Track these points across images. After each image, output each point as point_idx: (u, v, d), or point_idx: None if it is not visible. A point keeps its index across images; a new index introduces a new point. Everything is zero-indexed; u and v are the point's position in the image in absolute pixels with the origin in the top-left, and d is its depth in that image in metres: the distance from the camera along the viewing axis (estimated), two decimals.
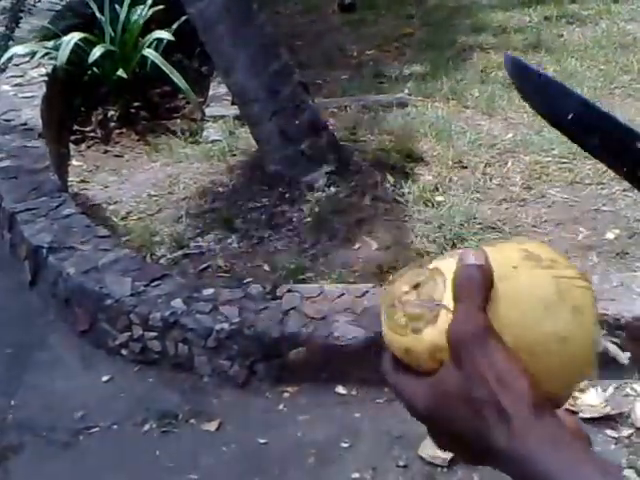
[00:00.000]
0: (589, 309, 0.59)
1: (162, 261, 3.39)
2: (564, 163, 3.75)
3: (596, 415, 2.61)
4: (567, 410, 0.63)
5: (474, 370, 0.57)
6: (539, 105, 0.72)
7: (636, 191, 3.07)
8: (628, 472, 2.39)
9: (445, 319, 0.59)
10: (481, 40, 5.28)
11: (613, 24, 5.34)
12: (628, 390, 2.73)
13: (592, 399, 2.65)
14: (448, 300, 0.59)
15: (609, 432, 2.58)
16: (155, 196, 3.92)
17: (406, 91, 4.54)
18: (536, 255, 0.60)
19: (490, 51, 5.07)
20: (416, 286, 0.61)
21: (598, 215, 3.41)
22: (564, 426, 0.57)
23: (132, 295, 3.01)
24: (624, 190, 3.53)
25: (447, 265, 0.61)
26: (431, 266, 0.62)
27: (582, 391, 2.65)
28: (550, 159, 3.79)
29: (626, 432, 2.58)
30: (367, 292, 2.84)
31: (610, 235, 3.28)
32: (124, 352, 3.01)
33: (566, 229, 3.34)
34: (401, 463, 2.56)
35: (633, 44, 5.00)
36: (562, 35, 5.25)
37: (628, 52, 4.88)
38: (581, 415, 2.62)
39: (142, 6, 4.78)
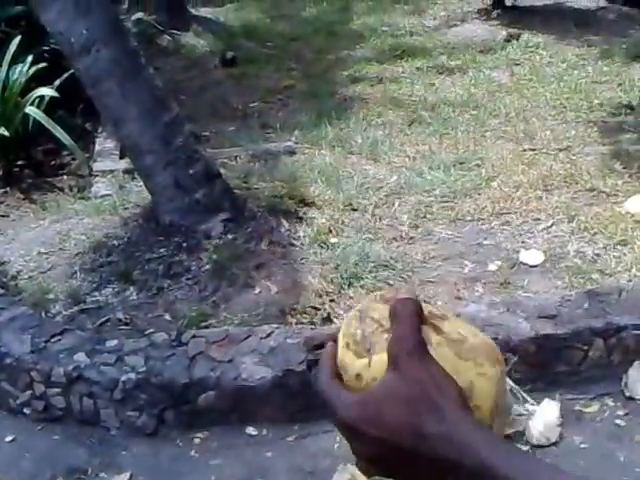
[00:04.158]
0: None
1: (58, 318, 3.33)
2: (446, 202, 3.97)
3: None
4: None
5: (412, 376, 0.67)
6: None
7: (514, 224, 3.29)
8: None
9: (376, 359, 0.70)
10: (359, 90, 5.54)
11: (479, 73, 5.71)
12: (522, 410, 2.89)
13: None
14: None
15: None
16: (45, 254, 3.85)
17: (293, 139, 4.70)
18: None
19: (369, 101, 5.32)
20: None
21: (480, 249, 3.62)
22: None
23: (32, 352, 2.96)
24: (502, 224, 3.77)
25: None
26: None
27: None
28: (433, 199, 3.99)
29: (523, 449, 2.73)
30: (272, 333, 2.91)
31: (493, 267, 3.49)
32: (26, 411, 2.94)
33: (452, 263, 3.52)
34: None
35: (499, 90, 5.37)
36: (434, 84, 5.57)
37: (495, 98, 5.23)
38: None
39: (22, 64, 4.75)
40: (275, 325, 3.01)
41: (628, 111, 4.93)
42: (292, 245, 3.61)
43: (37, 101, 4.63)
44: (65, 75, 4.65)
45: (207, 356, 2.86)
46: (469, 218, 3.83)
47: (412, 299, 0.71)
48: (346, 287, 3.29)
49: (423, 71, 5.79)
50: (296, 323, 3.10)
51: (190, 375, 2.82)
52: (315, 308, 3.18)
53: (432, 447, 0.65)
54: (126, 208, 4.09)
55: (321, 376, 0.74)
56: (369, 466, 0.71)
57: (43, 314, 3.30)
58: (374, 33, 6.70)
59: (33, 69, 4.73)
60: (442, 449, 0.65)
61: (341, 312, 3.13)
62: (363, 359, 0.70)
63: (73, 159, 4.78)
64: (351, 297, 3.23)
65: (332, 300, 3.22)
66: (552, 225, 3.72)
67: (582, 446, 2.72)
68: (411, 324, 0.69)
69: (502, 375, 0.72)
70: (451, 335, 0.70)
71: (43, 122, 4.50)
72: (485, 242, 3.66)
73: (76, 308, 3.38)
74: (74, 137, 4.56)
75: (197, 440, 2.85)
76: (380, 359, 0.69)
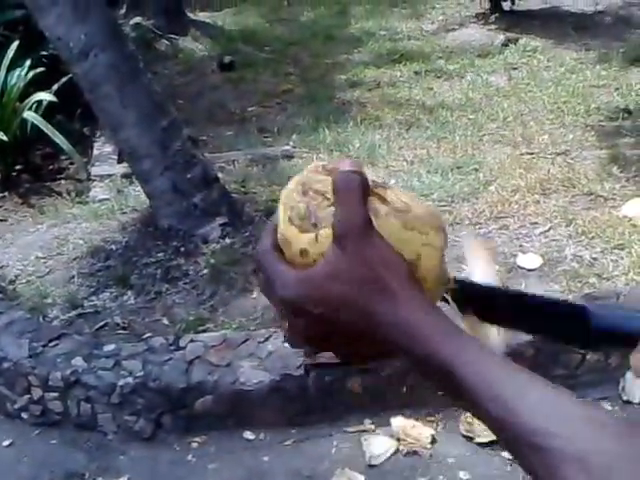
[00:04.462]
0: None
1: (55, 323, 3.34)
2: (444, 206, 3.97)
3: (491, 439, 2.75)
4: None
5: (359, 255, 0.63)
6: None
7: (511, 228, 3.28)
8: None
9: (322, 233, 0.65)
10: (357, 95, 5.54)
11: (477, 77, 5.71)
12: None
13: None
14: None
15: (504, 454, 2.72)
16: (43, 258, 3.86)
17: (291, 144, 4.70)
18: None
19: (367, 105, 5.32)
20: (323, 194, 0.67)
21: None
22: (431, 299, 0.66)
23: (30, 356, 2.96)
24: (499, 228, 3.77)
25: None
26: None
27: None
28: (430, 203, 3.99)
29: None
30: (270, 337, 2.91)
31: None
32: (24, 415, 2.95)
33: (450, 267, 3.46)
34: None
35: (496, 94, 5.37)
36: (432, 88, 5.57)
37: (493, 102, 5.23)
38: (477, 440, 2.76)
39: (20, 69, 4.76)
40: (273, 329, 3.01)
41: (626, 115, 4.93)
42: None
43: (35, 106, 4.65)
44: (63, 80, 4.66)
45: (205, 360, 2.86)
46: (467, 222, 3.83)
47: (356, 171, 0.65)
48: None
49: (421, 75, 5.80)
50: None
51: (188, 379, 2.82)
52: None
53: (382, 329, 0.63)
54: (124, 212, 4.10)
55: (260, 250, 0.68)
56: (306, 344, 0.67)
57: (41, 318, 3.31)
58: (372, 37, 6.70)
59: (31, 74, 4.74)
60: (391, 333, 0.63)
61: None
62: (309, 234, 0.65)
63: (71, 163, 4.78)
64: None
65: None
66: (550, 229, 3.72)
67: None
68: (356, 199, 0.63)
69: (445, 243, 0.69)
70: (396, 204, 0.66)
71: (41, 127, 4.51)
72: None
73: (74, 312, 3.38)
74: (72, 141, 4.57)
75: (195, 444, 2.84)
76: (328, 234, 0.64)
